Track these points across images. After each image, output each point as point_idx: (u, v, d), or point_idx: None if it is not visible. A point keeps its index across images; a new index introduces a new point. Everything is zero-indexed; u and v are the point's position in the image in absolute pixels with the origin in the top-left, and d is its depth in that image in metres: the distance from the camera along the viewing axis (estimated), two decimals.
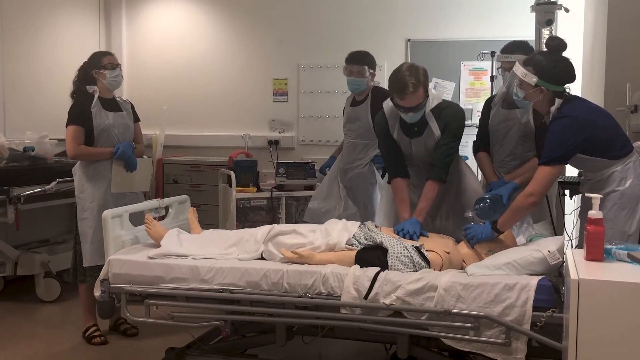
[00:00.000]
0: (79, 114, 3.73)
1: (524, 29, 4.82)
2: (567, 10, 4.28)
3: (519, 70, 2.81)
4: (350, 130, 4.14)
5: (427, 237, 3.00)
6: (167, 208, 3.66)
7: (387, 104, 3.29)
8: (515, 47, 3.41)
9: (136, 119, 4.01)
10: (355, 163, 4.10)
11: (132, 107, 4.00)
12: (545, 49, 2.91)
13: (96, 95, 3.76)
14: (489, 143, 3.53)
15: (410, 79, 3.03)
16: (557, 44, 2.82)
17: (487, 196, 3.04)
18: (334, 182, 4.26)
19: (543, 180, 2.73)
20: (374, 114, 3.66)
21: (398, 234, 2.99)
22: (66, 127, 3.76)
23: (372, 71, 4.04)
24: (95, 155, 3.77)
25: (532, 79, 2.76)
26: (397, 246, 2.78)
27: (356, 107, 4.09)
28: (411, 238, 2.94)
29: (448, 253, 2.82)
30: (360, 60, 4.00)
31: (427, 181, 3.21)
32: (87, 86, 3.78)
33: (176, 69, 6.24)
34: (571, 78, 2.83)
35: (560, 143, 2.71)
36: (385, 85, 4.16)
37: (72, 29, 5.87)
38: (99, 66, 3.77)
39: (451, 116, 3.22)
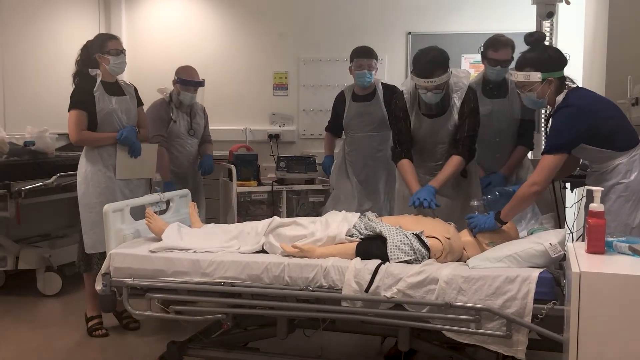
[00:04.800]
0: (81, 98, 3.68)
1: (525, 21, 4.80)
2: (568, 2, 4.27)
3: (519, 76, 2.84)
4: (360, 125, 4.17)
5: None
6: (167, 202, 3.66)
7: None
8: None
9: (139, 103, 3.96)
10: (376, 155, 4.13)
11: (136, 90, 3.96)
12: (528, 47, 2.95)
13: (99, 79, 3.72)
14: (410, 149, 3.39)
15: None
16: (538, 37, 2.90)
17: (496, 188, 3.08)
18: (340, 180, 4.26)
19: (546, 168, 2.74)
20: (389, 106, 3.75)
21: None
22: (68, 111, 3.71)
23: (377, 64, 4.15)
24: (98, 141, 3.73)
25: (537, 76, 2.78)
26: (396, 234, 2.78)
27: (366, 102, 4.14)
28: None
29: (448, 239, 2.82)
30: (369, 54, 4.10)
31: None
32: (89, 69, 3.73)
33: (176, 63, 6.20)
34: (565, 60, 2.87)
35: (563, 132, 2.73)
36: (385, 79, 4.23)
37: (71, 22, 5.85)
38: (103, 51, 3.72)
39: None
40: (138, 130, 3.89)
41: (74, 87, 3.77)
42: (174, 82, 4.37)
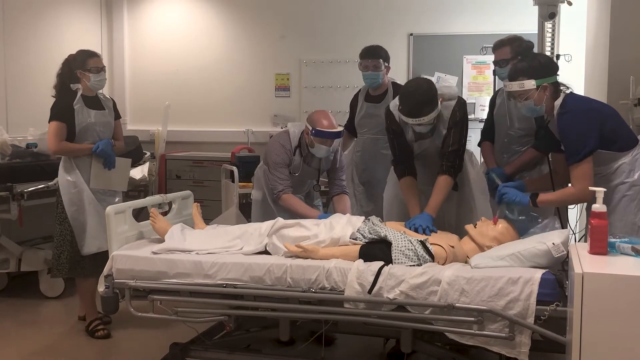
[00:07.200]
0: (61, 111, 3.78)
1: (527, 22, 4.81)
2: (570, 3, 4.27)
3: (513, 86, 2.84)
4: (369, 126, 4.12)
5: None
6: (170, 204, 3.66)
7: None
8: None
9: (117, 116, 4.05)
10: (379, 157, 4.05)
11: (114, 104, 4.05)
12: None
13: (79, 93, 3.81)
14: (412, 162, 3.36)
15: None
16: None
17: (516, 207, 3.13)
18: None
19: (586, 176, 2.72)
20: None
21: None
22: (49, 122, 3.79)
23: (387, 64, 4.02)
24: (76, 152, 3.82)
25: (531, 84, 2.78)
26: (401, 240, 2.78)
27: (375, 104, 4.07)
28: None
29: (452, 247, 2.82)
30: (374, 54, 4.01)
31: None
32: (71, 84, 3.82)
33: (178, 65, 6.25)
34: (556, 65, 2.91)
35: (585, 135, 2.71)
36: (397, 79, 4.19)
37: (74, 26, 5.87)
38: (84, 68, 3.80)
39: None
40: (113, 143, 3.96)
41: (54, 98, 3.86)
42: (307, 133, 3.49)
